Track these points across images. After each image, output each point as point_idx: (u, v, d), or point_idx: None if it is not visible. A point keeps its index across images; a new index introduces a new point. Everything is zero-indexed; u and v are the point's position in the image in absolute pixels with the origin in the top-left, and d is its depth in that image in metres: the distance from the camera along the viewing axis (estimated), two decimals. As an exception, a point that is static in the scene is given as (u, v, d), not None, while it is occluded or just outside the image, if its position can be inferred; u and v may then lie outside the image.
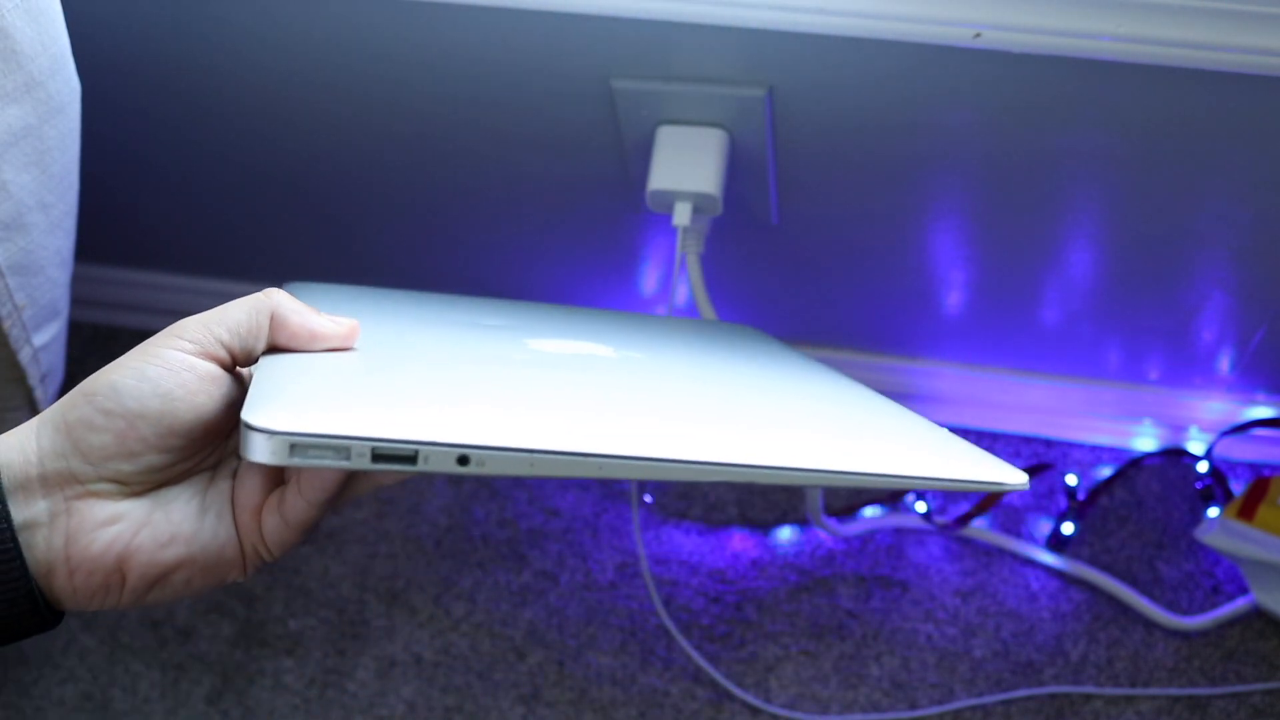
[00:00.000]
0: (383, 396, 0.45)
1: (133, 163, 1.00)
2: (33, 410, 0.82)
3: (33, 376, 0.78)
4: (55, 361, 0.82)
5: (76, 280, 0.85)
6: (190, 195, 1.03)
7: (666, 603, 1.00)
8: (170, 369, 0.45)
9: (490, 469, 0.41)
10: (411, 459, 0.41)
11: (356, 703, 0.99)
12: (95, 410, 0.45)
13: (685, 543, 1.03)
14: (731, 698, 0.97)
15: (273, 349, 0.48)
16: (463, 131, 0.88)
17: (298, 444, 0.40)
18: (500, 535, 1.05)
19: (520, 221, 0.98)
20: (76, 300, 0.91)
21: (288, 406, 0.41)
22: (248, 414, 0.40)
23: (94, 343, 1.16)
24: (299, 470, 0.48)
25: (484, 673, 0.99)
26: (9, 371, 0.77)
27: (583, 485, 1.06)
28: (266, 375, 0.45)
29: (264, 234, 1.06)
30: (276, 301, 0.48)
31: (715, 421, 0.49)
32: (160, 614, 1.03)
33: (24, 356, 0.76)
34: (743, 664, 0.98)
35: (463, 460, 0.41)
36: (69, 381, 1.12)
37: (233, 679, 1.00)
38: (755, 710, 0.97)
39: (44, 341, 0.78)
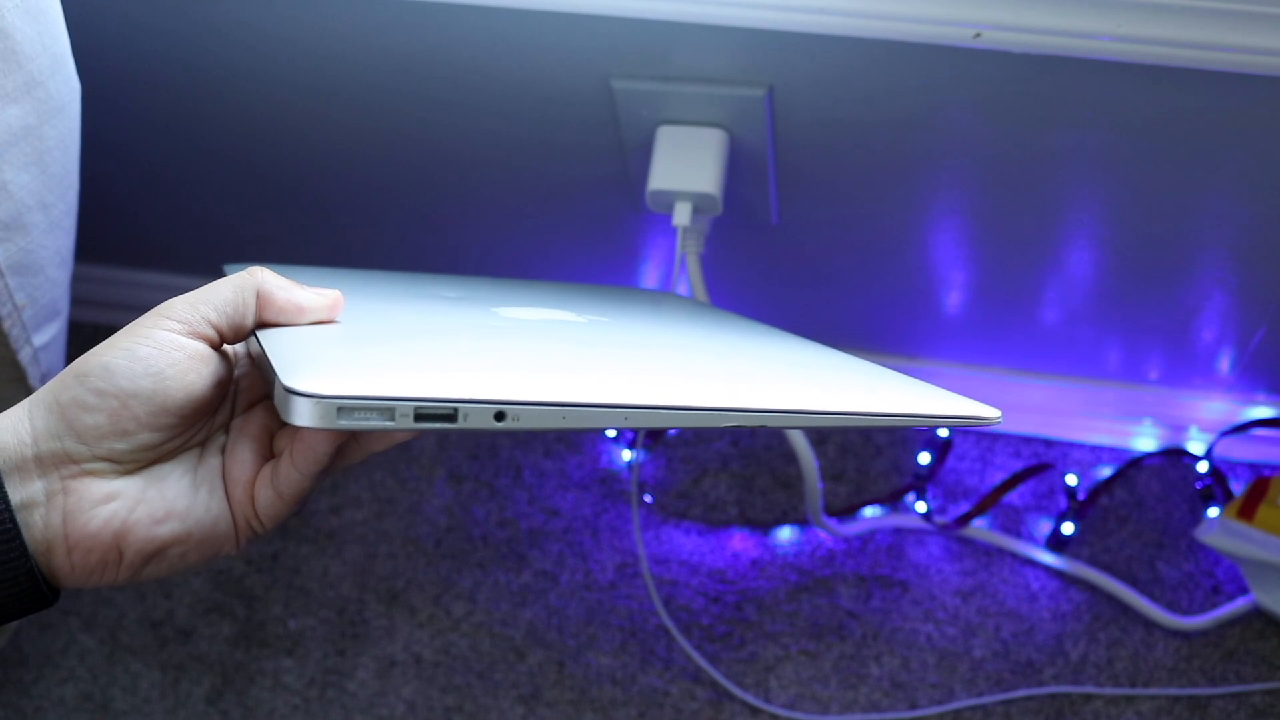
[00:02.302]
0: (414, 359, 0.46)
1: (132, 163, 1.00)
2: (33, 410, 0.81)
3: (33, 376, 0.78)
4: (55, 361, 0.82)
5: (76, 280, 0.85)
6: (190, 195, 1.03)
7: (666, 603, 1.00)
8: (160, 349, 0.46)
9: (525, 423, 0.42)
10: (451, 417, 0.42)
11: (356, 703, 0.99)
12: (88, 390, 0.45)
13: (685, 543, 1.03)
14: (731, 698, 0.97)
15: (260, 325, 0.49)
16: (463, 132, 0.88)
17: (344, 407, 0.41)
18: (500, 535, 1.05)
19: (520, 221, 0.98)
20: (76, 300, 0.91)
21: (330, 372, 0.42)
22: (290, 380, 0.41)
23: (94, 343, 1.16)
24: (291, 443, 0.49)
25: (484, 673, 0.99)
26: (9, 371, 0.77)
27: (583, 485, 1.06)
28: (280, 347, 0.46)
29: (264, 235, 1.06)
30: (261, 279, 0.49)
31: (718, 373, 0.51)
32: (160, 614, 1.03)
33: (24, 356, 0.76)
34: (743, 664, 0.98)
35: (499, 416, 0.42)
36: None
37: (233, 679, 1.00)
38: (755, 710, 0.97)
39: (44, 341, 0.78)
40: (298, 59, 0.84)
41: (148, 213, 1.07)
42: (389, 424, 0.41)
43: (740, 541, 1.03)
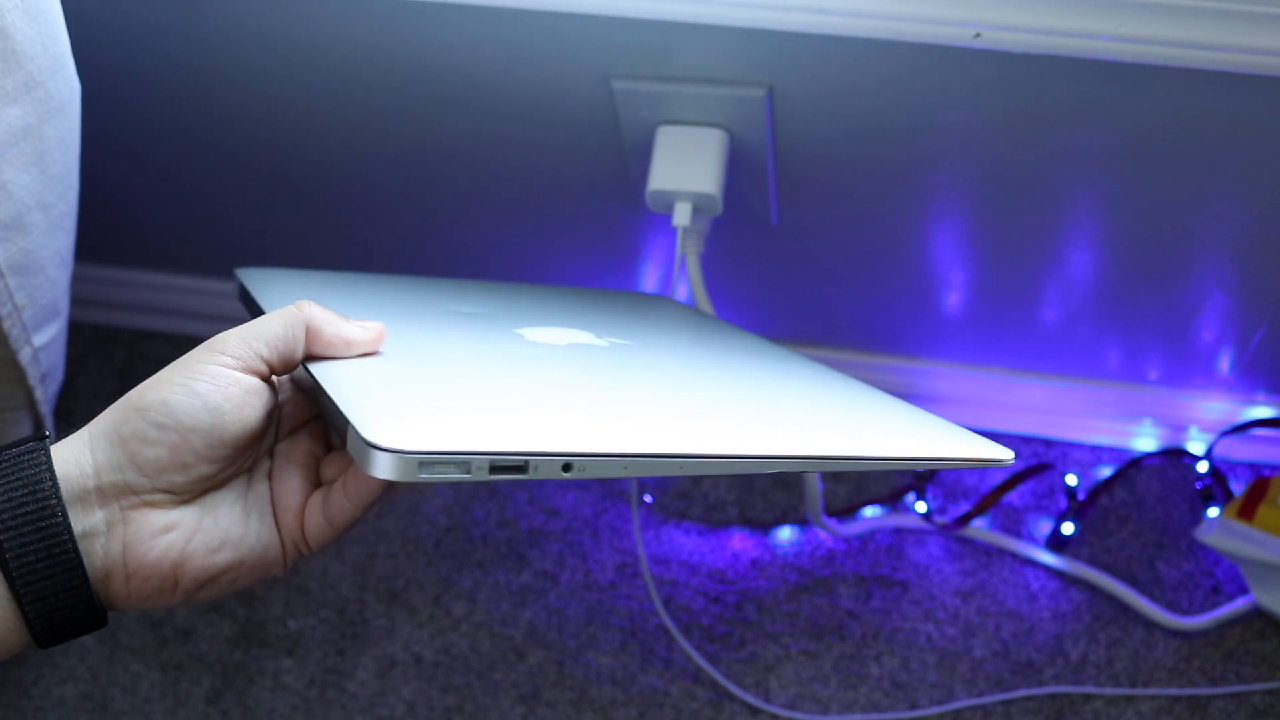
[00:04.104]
0: (485, 409, 0.48)
1: (133, 163, 1.00)
2: (33, 410, 0.81)
3: (33, 376, 0.78)
4: (55, 361, 0.82)
5: (76, 280, 0.85)
6: (190, 195, 1.03)
7: (666, 603, 1.00)
8: (217, 384, 0.48)
9: (589, 473, 0.44)
10: (523, 469, 0.44)
11: (356, 703, 0.99)
12: (149, 425, 0.47)
13: (685, 543, 1.03)
14: (731, 698, 0.97)
15: (308, 357, 0.51)
16: (463, 132, 0.88)
17: (425, 461, 0.42)
18: (500, 535, 1.05)
19: (520, 222, 0.98)
20: (76, 300, 0.91)
21: (407, 425, 0.44)
22: (370, 434, 0.43)
23: (94, 343, 1.16)
24: (345, 476, 0.51)
25: (484, 673, 0.99)
26: (9, 371, 0.77)
27: (583, 485, 1.06)
28: (345, 389, 0.47)
29: (264, 235, 1.06)
30: (310, 314, 0.51)
31: (761, 418, 0.53)
32: (160, 614, 1.03)
33: (24, 356, 0.76)
34: (743, 664, 0.98)
35: (566, 467, 0.44)
36: (69, 381, 1.13)
37: (233, 679, 1.00)
38: (755, 710, 0.97)
39: (44, 341, 0.78)
40: (297, 59, 0.84)
41: (148, 213, 1.07)
42: (464, 476, 0.43)
43: (740, 541, 1.03)
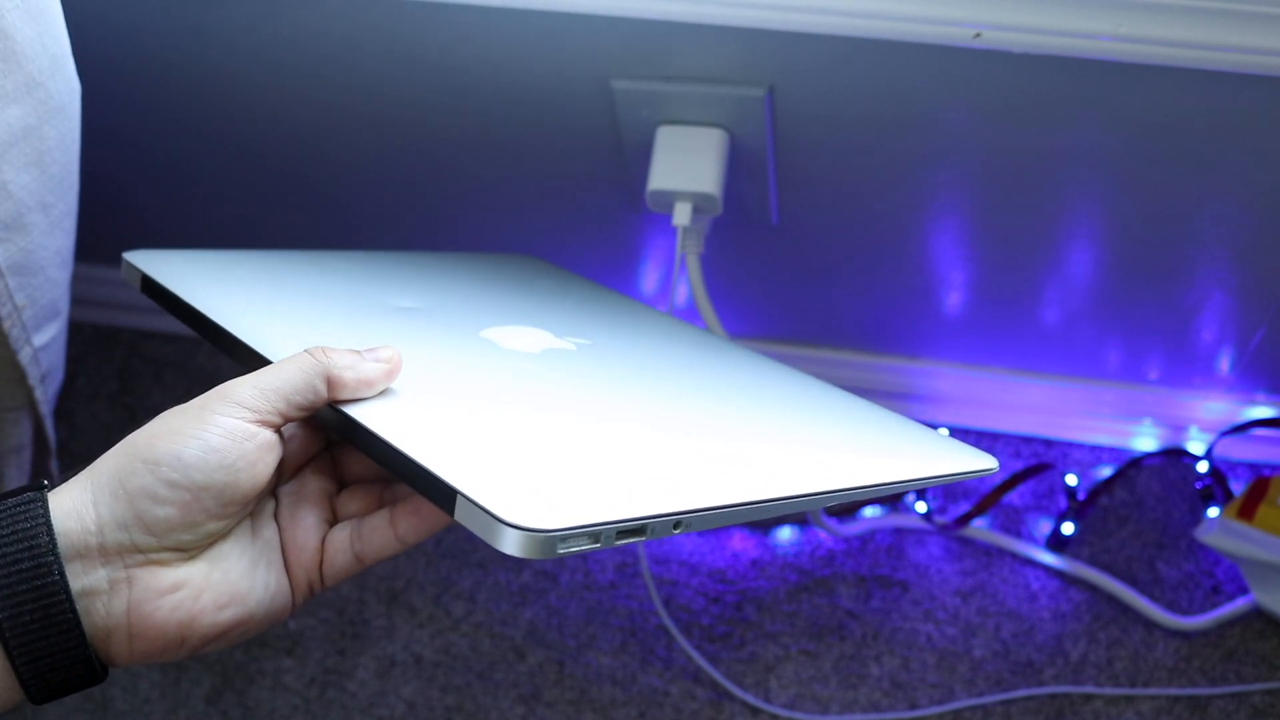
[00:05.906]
0: (598, 474, 0.47)
1: (133, 163, 1.00)
2: (33, 410, 0.81)
3: (33, 376, 0.78)
4: (55, 361, 0.82)
5: (76, 280, 0.85)
6: (192, 196, 1.03)
7: (666, 603, 1.00)
8: (233, 439, 0.45)
9: (695, 527, 0.45)
10: (641, 531, 0.44)
11: (356, 703, 0.99)
12: (159, 481, 0.44)
13: (685, 543, 1.03)
14: (731, 698, 0.97)
15: (330, 404, 0.49)
16: (463, 132, 0.88)
17: (563, 537, 0.42)
18: (500, 535, 1.04)
19: (520, 221, 0.98)
20: (76, 300, 0.91)
21: (541, 500, 0.43)
22: (503, 511, 0.42)
23: (94, 343, 1.16)
24: (395, 516, 0.50)
25: (484, 673, 0.99)
26: (9, 371, 0.77)
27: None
28: (431, 450, 0.45)
29: (266, 237, 1.06)
30: (329, 363, 0.48)
31: (804, 449, 0.54)
32: (160, 614, 1.03)
33: (24, 356, 0.76)
34: (743, 664, 0.98)
35: (677, 525, 0.45)
36: (69, 381, 1.13)
37: (233, 679, 1.00)
38: (755, 710, 0.97)
39: (44, 341, 0.78)
40: (297, 61, 0.84)
41: (149, 213, 1.07)
42: (594, 546, 0.43)
43: (740, 541, 1.03)
